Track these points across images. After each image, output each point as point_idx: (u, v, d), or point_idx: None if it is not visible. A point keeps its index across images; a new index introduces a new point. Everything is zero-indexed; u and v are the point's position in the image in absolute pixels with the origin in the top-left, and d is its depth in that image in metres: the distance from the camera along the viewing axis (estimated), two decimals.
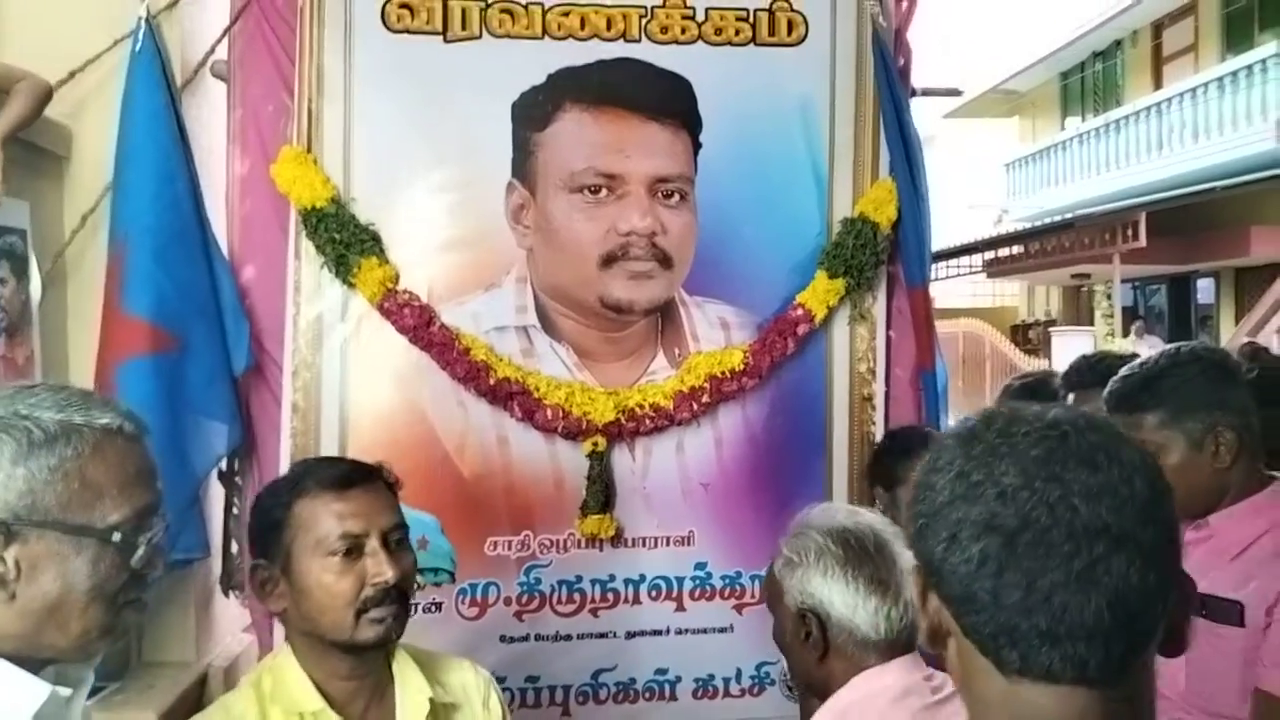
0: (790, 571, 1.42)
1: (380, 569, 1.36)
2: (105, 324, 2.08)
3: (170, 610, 2.30)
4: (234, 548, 2.35)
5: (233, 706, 1.40)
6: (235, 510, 2.35)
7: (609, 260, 2.39)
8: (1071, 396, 2.19)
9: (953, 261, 16.59)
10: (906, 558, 1.39)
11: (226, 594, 2.38)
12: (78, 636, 0.98)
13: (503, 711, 1.59)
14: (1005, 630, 0.73)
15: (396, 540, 1.42)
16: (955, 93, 3.16)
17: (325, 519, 1.38)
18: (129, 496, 0.99)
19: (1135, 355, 2.01)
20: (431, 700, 1.44)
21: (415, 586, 1.47)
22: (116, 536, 0.97)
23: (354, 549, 1.37)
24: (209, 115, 2.46)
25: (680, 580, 2.44)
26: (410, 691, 1.44)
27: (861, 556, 1.39)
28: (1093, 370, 2.19)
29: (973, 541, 0.73)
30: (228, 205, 2.35)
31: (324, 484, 1.40)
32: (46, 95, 2.06)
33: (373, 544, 1.38)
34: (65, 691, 0.99)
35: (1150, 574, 0.72)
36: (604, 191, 2.39)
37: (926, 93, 2.77)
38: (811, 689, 1.43)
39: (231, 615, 2.54)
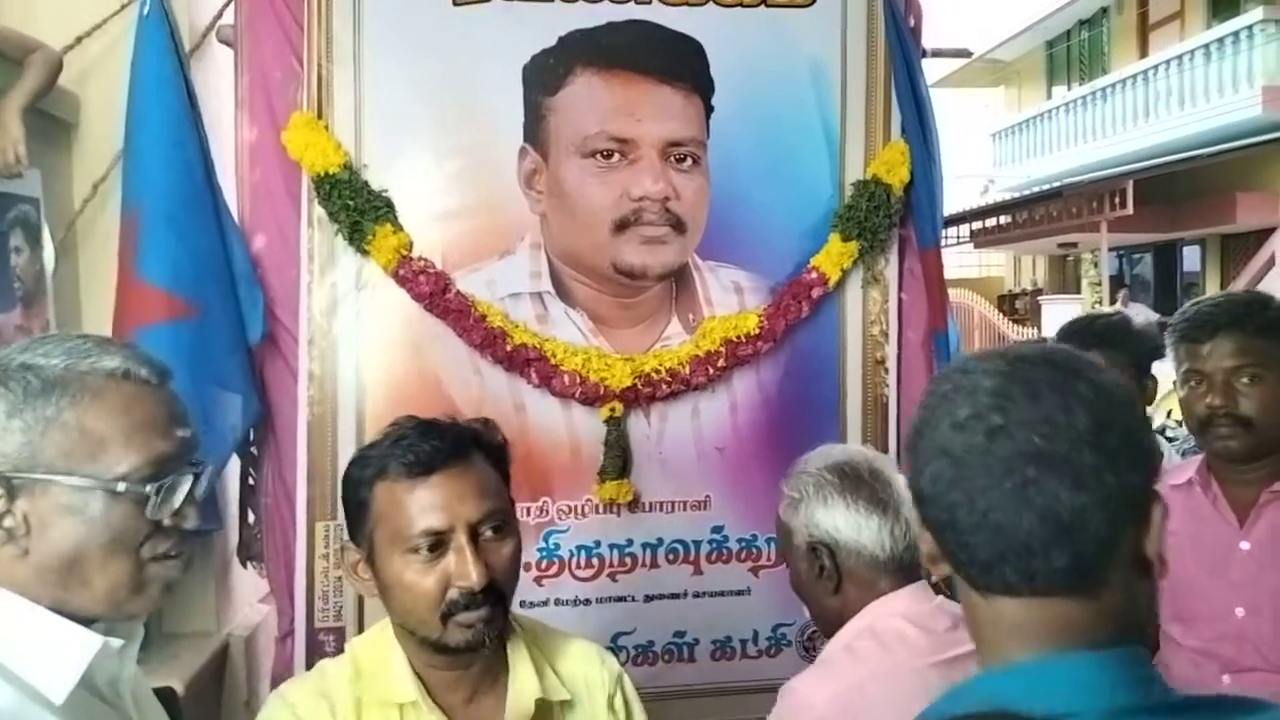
0: (794, 510, 1.48)
1: (464, 571, 1.20)
2: (120, 291, 2.06)
3: (190, 581, 2.29)
4: (250, 518, 2.35)
5: (327, 677, 1.29)
6: (251, 481, 2.34)
7: (622, 225, 2.38)
8: None
9: None
10: (900, 481, 1.46)
11: (244, 565, 2.38)
12: (105, 594, 0.94)
13: (628, 713, 1.40)
14: (964, 549, 0.79)
15: (493, 528, 1.24)
16: (965, 54, 3.14)
17: (405, 510, 1.22)
18: (137, 445, 0.95)
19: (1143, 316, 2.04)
20: (539, 700, 1.29)
21: (516, 576, 1.29)
22: (122, 487, 0.93)
23: (438, 544, 1.21)
24: (215, 82, 2.43)
25: (697, 544, 2.45)
26: (520, 683, 1.29)
27: (857, 481, 1.45)
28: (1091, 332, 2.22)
29: (928, 465, 0.80)
30: (237, 173, 2.31)
31: (404, 468, 1.22)
32: (59, 66, 2.04)
33: (459, 540, 1.21)
34: (117, 642, 0.96)
35: (1081, 493, 0.76)
36: (616, 156, 2.37)
37: (937, 54, 2.76)
38: (832, 628, 1.47)
39: (249, 586, 2.55)
